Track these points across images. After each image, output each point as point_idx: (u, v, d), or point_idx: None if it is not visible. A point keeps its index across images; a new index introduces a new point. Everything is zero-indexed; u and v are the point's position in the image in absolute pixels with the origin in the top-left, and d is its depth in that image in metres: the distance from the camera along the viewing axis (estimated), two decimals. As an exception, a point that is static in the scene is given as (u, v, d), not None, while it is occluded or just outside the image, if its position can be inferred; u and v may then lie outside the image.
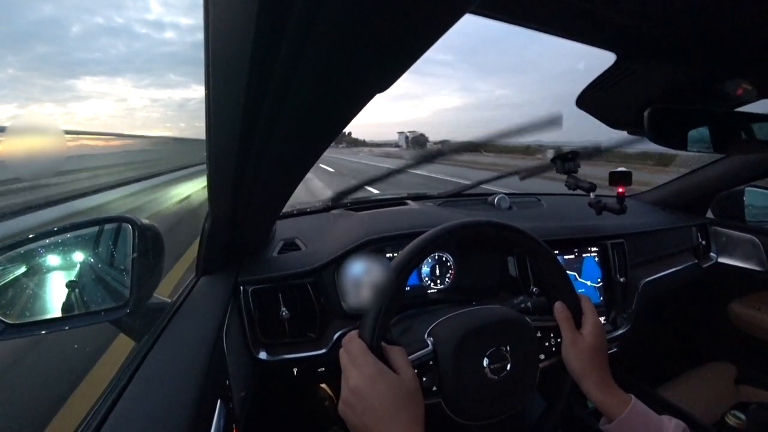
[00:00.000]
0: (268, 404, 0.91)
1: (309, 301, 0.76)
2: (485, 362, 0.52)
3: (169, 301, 0.66)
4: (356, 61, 0.26)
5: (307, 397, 1.09)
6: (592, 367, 0.55)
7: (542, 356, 0.57)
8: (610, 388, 0.55)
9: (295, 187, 0.55)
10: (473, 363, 0.51)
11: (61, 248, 0.62)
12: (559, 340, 0.58)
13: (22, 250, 0.57)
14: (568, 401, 0.59)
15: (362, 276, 0.81)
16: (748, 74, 0.53)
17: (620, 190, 0.97)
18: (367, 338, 0.48)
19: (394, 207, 1.10)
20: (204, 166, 0.48)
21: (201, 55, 0.29)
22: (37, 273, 0.59)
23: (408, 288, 0.88)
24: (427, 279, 0.90)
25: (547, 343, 0.58)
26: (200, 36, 0.28)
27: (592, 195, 1.03)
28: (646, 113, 0.58)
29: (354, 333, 0.50)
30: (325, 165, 14.60)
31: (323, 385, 1.09)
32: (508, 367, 0.53)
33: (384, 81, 0.28)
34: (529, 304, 0.67)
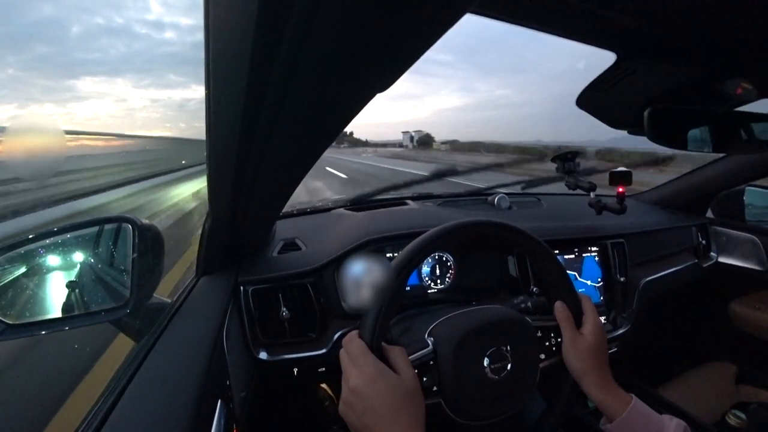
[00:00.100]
0: (269, 404, 0.91)
1: (309, 301, 0.76)
2: (485, 362, 0.52)
3: (169, 301, 0.66)
4: (356, 61, 0.26)
5: (308, 397, 1.09)
6: (593, 367, 0.55)
7: (542, 356, 0.57)
8: (611, 387, 0.55)
9: (295, 187, 0.55)
10: (473, 363, 0.51)
11: (61, 248, 0.62)
12: (559, 339, 0.58)
13: (22, 250, 0.57)
14: (568, 401, 0.59)
15: (362, 276, 0.81)
16: (748, 74, 0.53)
17: (620, 189, 0.97)
18: (367, 338, 0.48)
19: (394, 207, 1.10)
20: (204, 167, 0.48)
21: (201, 55, 0.29)
22: (37, 273, 0.59)
23: (408, 288, 0.88)
24: (427, 279, 0.90)
25: (547, 343, 0.58)
26: (200, 36, 0.28)
27: (592, 195, 1.03)
28: (646, 113, 0.58)
29: (354, 333, 0.49)
30: (334, 169, 12.99)
31: (323, 385, 1.09)
32: (509, 367, 0.53)
33: (384, 81, 0.28)
34: (529, 303, 0.67)
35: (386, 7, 0.21)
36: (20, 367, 1.71)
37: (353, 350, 0.47)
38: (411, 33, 0.23)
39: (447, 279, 0.91)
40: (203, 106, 0.35)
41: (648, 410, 0.53)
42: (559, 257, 0.80)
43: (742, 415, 0.96)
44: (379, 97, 0.31)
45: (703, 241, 1.29)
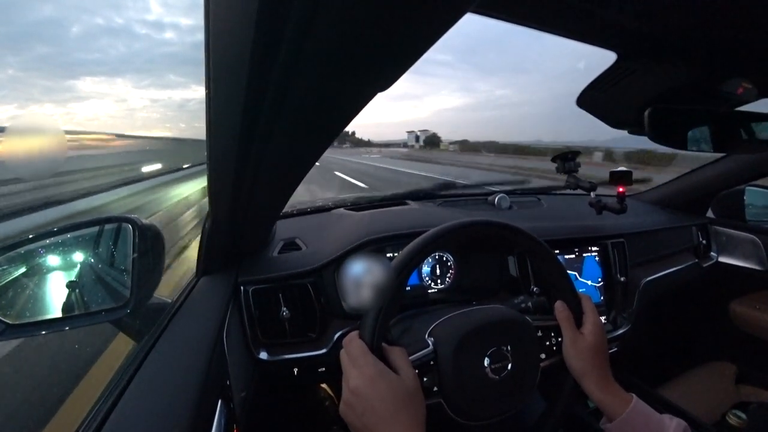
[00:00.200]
0: (269, 404, 0.91)
1: (309, 301, 0.76)
2: (486, 362, 0.52)
3: (170, 301, 0.66)
4: (357, 60, 0.26)
5: (308, 397, 1.09)
6: (593, 367, 0.55)
7: (543, 356, 0.57)
8: (611, 387, 0.55)
9: (296, 187, 0.55)
10: (474, 363, 0.51)
11: (61, 248, 0.62)
12: (559, 339, 0.58)
13: (22, 250, 0.57)
14: (568, 401, 0.59)
15: (362, 276, 0.81)
16: (748, 74, 0.53)
17: (620, 189, 0.97)
18: (367, 339, 0.48)
19: (394, 207, 1.10)
20: (204, 167, 0.48)
21: (201, 55, 0.29)
22: (37, 273, 0.59)
23: (408, 288, 0.88)
24: (427, 279, 0.90)
25: (547, 343, 0.58)
26: (200, 36, 0.28)
27: (592, 194, 1.03)
28: (646, 113, 0.58)
29: (354, 334, 0.49)
30: (346, 175, 11.06)
31: (324, 385, 1.09)
32: (509, 366, 0.53)
33: (385, 80, 0.28)
34: (529, 303, 0.67)
35: (386, 7, 0.21)
36: (20, 367, 1.71)
37: (353, 351, 0.47)
38: (411, 33, 0.23)
39: (447, 279, 0.91)
40: (203, 106, 0.35)
41: (648, 410, 0.53)
42: (559, 257, 0.80)
43: (743, 415, 0.96)
44: (379, 97, 0.31)
45: (704, 241, 1.29)
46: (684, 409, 0.95)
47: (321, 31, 0.22)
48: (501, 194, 1.18)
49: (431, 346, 0.52)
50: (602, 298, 1.04)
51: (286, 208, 1.02)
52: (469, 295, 0.90)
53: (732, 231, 1.28)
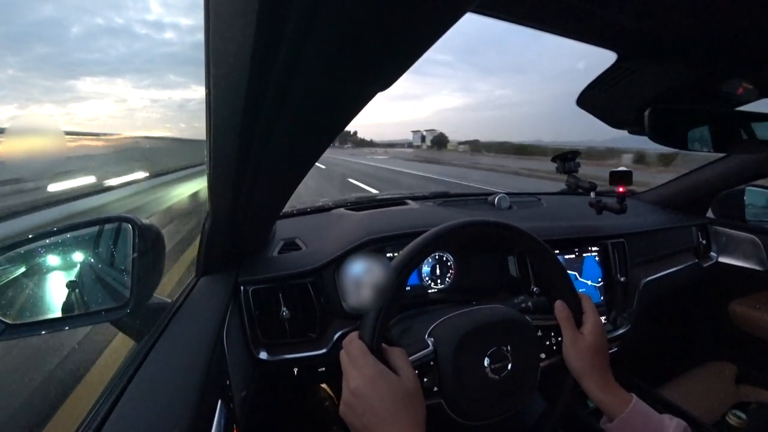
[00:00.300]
0: (269, 404, 0.91)
1: (309, 301, 0.76)
2: (486, 362, 0.52)
3: (169, 301, 0.66)
4: (357, 60, 0.26)
5: (308, 397, 1.09)
6: (593, 367, 0.55)
7: (543, 356, 0.57)
8: (611, 387, 0.55)
9: (296, 187, 0.55)
10: (474, 363, 0.51)
11: (61, 248, 0.61)
12: (559, 339, 0.58)
13: (22, 250, 0.57)
14: (568, 401, 0.59)
15: (362, 276, 0.81)
16: (749, 74, 0.53)
17: (620, 189, 0.97)
18: (367, 339, 0.48)
19: (394, 207, 1.10)
20: (203, 167, 0.48)
21: (201, 55, 0.29)
22: (37, 273, 0.59)
23: (408, 288, 0.88)
24: (427, 279, 0.90)
25: (547, 343, 0.58)
26: (200, 36, 0.28)
27: (592, 195, 1.03)
28: (646, 113, 0.58)
29: (354, 334, 0.49)
30: (364, 183, 9.85)
31: (323, 385, 1.09)
32: (509, 366, 0.53)
33: (385, 80, 0.28)
34: (529, 303, 0.67)
35: (386, 7, 0.21)
36: (20, 367, 1.71)
37: (353, 351, 0.47)
38: (411, 33, 0.23)
39: (447, 279, 0.91)
40: (203, 106, 0.35)
41: (648, 410, 0.53)
42: (559, 257, 0.80)
43: (743, 415, 0.96)
44: (379, 97, 0.31)
45: (704, 241, 1.29)
46: (684, 409, 0.95)
47: (321, 31, 0.22)
48: (501, 194, 1.18)
49: (431, 347, 0.52)
50: (602, 298, 1.04)
51: (286, 208, 1.02)
52: (469, 295, 0.90)
53: (732, 231, 1.28)
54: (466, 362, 0.51)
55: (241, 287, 0.73)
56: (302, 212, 1.07)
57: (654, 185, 1.43)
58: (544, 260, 0.59)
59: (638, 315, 1.04)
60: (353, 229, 0.89)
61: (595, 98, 0.60)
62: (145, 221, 0.61)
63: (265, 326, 0.74)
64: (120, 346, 1.66)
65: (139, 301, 0.57)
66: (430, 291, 0.90)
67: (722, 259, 1.29)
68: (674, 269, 1.17)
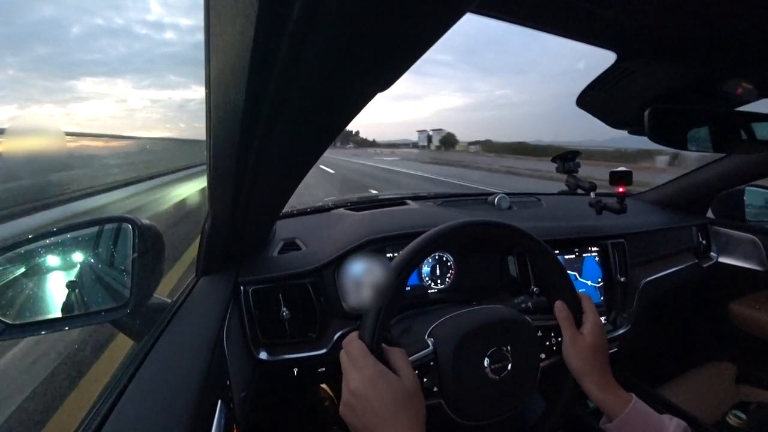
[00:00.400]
0: (269, 404, 0.91)
1: (309, 301, 0.76)
2: (486, 362, 0.52)
3: (169, 301, 0.66)
4: (357, 60, 0.26)
5: (308, 397, 1.09)
6: (593, 367, 0.55)
7: (543, 356, 0.57)
8: (611, 387, 0.55)
9: (296, 188, 0.55)
10: (474, 363, 0.51)
11: (61, 248, 0.61)
12: (559, 339, 0.58)
13: (22, 250, 0.57)
14: (568, 401, 0.59)
15: (362, 276, 0.81)
16: (749, 74, 0.53)
17: (620, 189, 0.97)
18: (367, 339, 0.47)
19: (394, 207, 1.10)
20: (203, 167, 0.48)
21: (201, 55, 0.29)
22: (37, 273, 0.59)
23: (408, 288, 0.88)
24: (427, 279, 0.90)
25: (547, 343, 0.58)
26: (200, 36, 0.28)
27: (592, 195, 1.03)
28: (646, 113, 0.58)
29: (354, 334, 0.49)
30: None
31: (323, 385, 1.09)
32: (509, 366, 0.53)
33: (385, 80, 0.28)
34: (529, 303, 0.67)
35: (386, 7, 0.21)
36: (20, 367, 1.71)
37: (353, 352, 0.47)
38: (411, 33, 0.23)
39: (447, 279, 0.91)
40: (203, 106, 0.35)
41: (648, 410, 0.53)
42: (559, 257, 0.80)
43: (743, 415, 0.96)
44: (379, 97, 0.31)
45: (704, 241, 1.29)
46: (684, 409, 0.95)
47: (321, 31, 0.22)
48: (501, 194, 1.19)
49: (431, 347, 0.52)
50: (602, 298, 1.04)
51: (286, 208, 1.01)
52: (469, 296, 0.90)
53: (732, 231, 1.28)
54: (466, 362, 0.51)
55: (241, 287, 0.73)
56: (302, 212, 1.07)
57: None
58: (544, 260, 0.59)
59: (638, 315, 1.04)
60: (353, 229, 0.89)
61: (594, 98, 0.60)
62: (145, 221, 0.61)
63: (265, 326, 0.74)
64: (120, 346, 1.66)
65: (139, 302, 0.57)
66: (430, 291, 0.90)
67: (722, 260, 1.29)
68: (674, 269, 1.17)
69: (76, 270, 0.63)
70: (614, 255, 1.04)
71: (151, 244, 0.60)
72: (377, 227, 0.87)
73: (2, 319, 0.53)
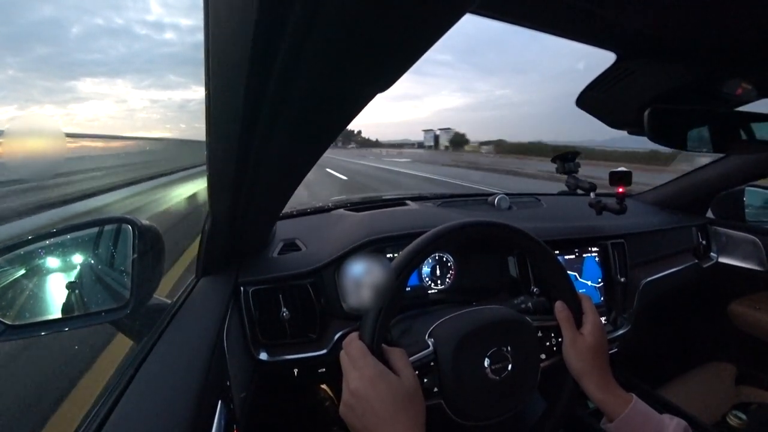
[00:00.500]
0: (269, 405, 0.91)
1: (309, 302, 0.76)
2: (486, 363, 0.52)
3: (169, 302, 0.66)
4: (357, 61, 0.26)
5: (308, 398, 1.09)
6: (593, 367, 0.55)
7: (543, 356, 0.57)
8: (611, 387, 0.55)
9: (296, 188, 0.55)
10: (474, 363, 0.51)
11: (60, 249, 0.61)
12: (559, 339, 0.58)
13: (21, 251, 0.57)
14: (568, 401, 0.59)
15: (362, 276, 0.81)
16: (748, 74, 0.53)
17: (620, 190, 0.97)
18: (367, 340, 0.47)
19: (394, 207, 1.10)
20: (203, 168, 0.48)
21: (201, 55, 0.29)
22: (36, 274, 0.59)
23: (408, 288, 0.88)
24: (427, 279, 0.90)
25: (547, 343, 0.58)
26: (200, 37, 0.28)
27: (592, 195, 1.03)
28: (646, 113, 0.57)
29: (354, 335, 0.49)
30: None
31: (323, 386, 1.09)
32: (509, 367, 0.52)
33: (385, 81, 0.28)
34: (529, 304, 0.67)
35: (386, 7, 0.21)
36: (19, 368, 1.71)
37: (353, 352, 0.47)
38: (411, 33, 0.23)
39: (447, 279, 0.91)
40: (203, 106, 0.35)
41: (648, 410, 0.53)
42: (559, 258, 0.80)
43: (743, 416, 0.96)
44: (379, 96, 0.31)
45: (703, 242, 1.29)
46: (684, 409, 0.95)
47: (321, 32, 0.22)
48: (501, 195, 1.18)
49: (431, 347, 0.52)
50: (602, 298, 1.04)
51: (286, 209, 1.01)
52: (469, 296, 0.90)
53: (732, 231, 1.28)
54: (467, 363, 0.51)
55: (241, 288, 0.73)
56: (302, 213, 1.07)
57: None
58: (544, 261, 0.59)
59: (638, 315, 1.04)
60: (353, 229, 0.89)
61: (594, 99, 0.60)
62: (145, 222, 0.61)
63: (265, 327, 0.74)
64: (119, 346, 1.66)
65: (139, 302, 0.57)
66: (430, 292, 0.90)
67: (722, 260, 1.29)
68: (674, 270, 1.16)
69: (76, 271, 0.63)
70: (614, 255, 1.04)
71: (150, 244, 0.60)
72: (377, 228, 0.87)
73: (2, 320, 0.53)
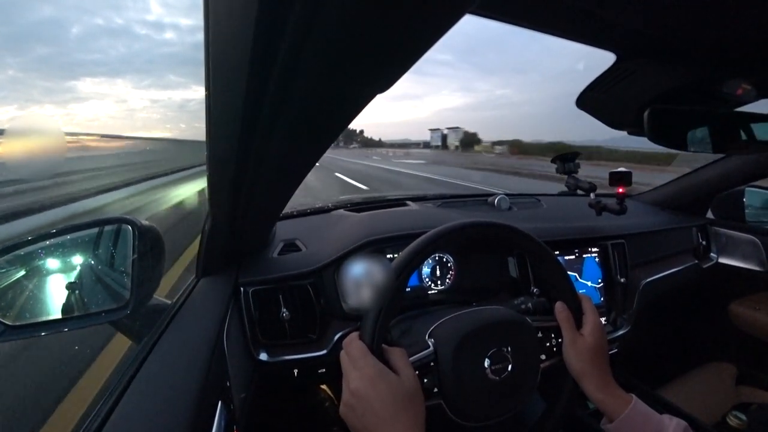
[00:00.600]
0: (269, 405, 0.91)
1: (309, 302, 0.76)
2: (486, 363, 0.51)
3: (169, 302, 0.66)
4: (356, 61, 0.26)
5: (308, 398, 1.09)
6: (593, 367, 0.55)
7: (543, 356, 0.57)
8: (611, 388, 0.55)
9: (296, 188, 0.55)
10: (474, 364, 0.51)
11: (60, 250, 0.61)
12: (559, 340, 0.58)
13: (21, 251, 0.57)
14: (568, 402, 0.59)
15: (363, 277, 0.81)
16: (748, 74, 0.53)
17: (620, 190, 0.97)
18: (367, 340, 0.47)
19: (394, 208, 1.10)
20: (203, 168, 0.48)
21: (201, 55, 0.29)
22: (37, 274, 0.59)
23: (408, 289, 0.88)
24: (427, 280, 0.90)
25: (547, 344, 0.58)
26: (200, 36, 0.28)
27: (592, 195, 1.03)
28: (646, 113, 0.57)
29: (354, 334, 0.49)
30: None
31: (324, 386, 1.09)
32: (509, 367, 0.52)
33: (385, 81, 0.28)
34: (529, 304, 0.67)
35: (386, 8, 0.21)
36: (19, 368, 1.71)
37: (353, 352, 0.47)
38: (411, 34, 0.23)
39: (447, 280, 0.91)
40: (203, 106, 0.35)
41: (648, 410, 0.53)
42: (559, 258, 0.80)
43: (743, 416, 0.96)
44: (379, 96, 0.31)
45: (703, 242, 1.29)
46: (684, 410, 0.95)
47: (320, 32, 0.22)
48: (501, 195, 1.19)
49: (431, 347, 0.52)
50: (602, 299, 1.04)
51: (287, 209, 1.01)
52: (469, 296, 0.90)
53: (732, 232, 1.28)
54: (467, 363, 0.51)
55: (241, 288, 0.73)
56: (302, 213, 1.07)
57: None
58: (544, 261, 0.59)
59: (638, 316, 1.04)
60: (353, 230, 0.89)
61: (594, 99, 0.60)
62: (145, 222, 0.61)
63: (265, 327, 0.74)
64: (120, 346, 1.66)
65: (139, 303, 0.57)
66: (430, 292, 0.90)
67: (722, 260, 1.29)
68: (674, 270, 1.17)
69: (76, 271, 0.63)
70: (614, 256, 1.04)
71: (150, 245, 0.60)
72: (377, 228, 0.87)
73: (2, 320, 0.53)
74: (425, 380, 0.50)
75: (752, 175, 1.19)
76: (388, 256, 0.85)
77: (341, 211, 1.07)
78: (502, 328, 0.55)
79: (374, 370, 0.45)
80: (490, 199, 1.20)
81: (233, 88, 0.29)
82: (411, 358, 0.50)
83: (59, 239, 0.61)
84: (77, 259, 0.63)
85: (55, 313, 0.60)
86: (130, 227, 0.60)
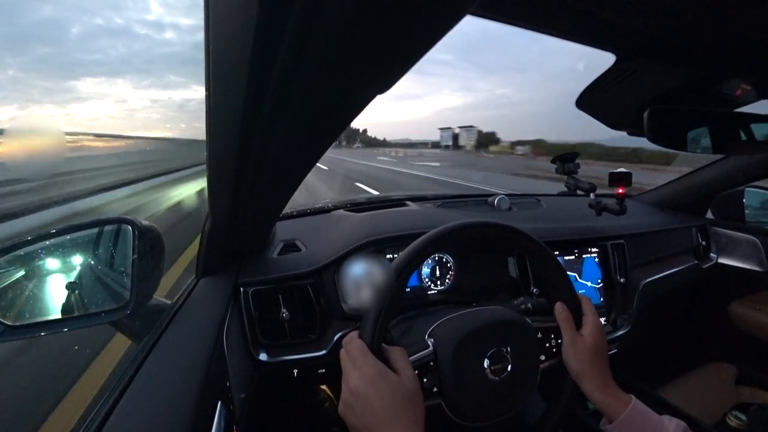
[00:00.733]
0: (269, 406, 0.91)
1: (309, 303, 0.76)
2: (486, 363, 0.52)
3: (169, 302, 0.66)
4: (357, 62, 0.26)
5: (308, 399, 1.09)
6: (593, 368, 0.55)
7: (543, 357, 0.57)
8: (611, 388, 0.55)
9: (296, 189, 0.55)
10: (474, 364, 0.51)
11: (60, 250, 0.61)
12: (559, 341, 0.58)
13: (21, 251, 0.57)
14: (568, 402, 0.59)
15: (362, 277, 0.81)
16: (748, 74, 0.53)
17: (620, 190, 0.97)
18: (367, 339, 0.48)
19: (394, 208, 1.10)
20: (203, 167, 0.48)
21: (201, 55, 0.29)
22: (36, 274, 0.59)
23: (408, 289, 0.88)
24: (427, 280, 0.90)
25: (547, 344, 0.58)
26: (200, 36, 0.28)
27: (592, 196, 1.03)
28: (645, 113, 0.58)
29: (354, 334, 0.49)
30: None
31: (323, 386, 1.09)
32: (509, 368, 0.52)
33: (385, 82, 0.28)
34: (529, 305, 0.67)
35: (386, 8, 0.21)
36: (19, 368, 1.71)
37: (353, 351, 0.47)
38: (411, 35, 0.23)
39: (447, 280, 0.91)
40: (203, 106, 0.35)
41: (648, 410, 0.53)
42: (559, 258, 0.80)
43: (743, 417, 0.96)
44: (379, 96, 0.31)
45: (703, 242, 1.29)
46: (684, 410, 0.95)
47: (321, 33, 0.22)
48: (501, 195, 1.19)
49: (431, 347, 0.52)
50: (602, 299, 1.04)
51: (286, 209, 1.01)
52: (468, 297, 0.90)
53: (732, 232, 1.28)
54: (466, 363, 0.51)
55: (241, 288, 0.73)
56: (302, 213, 1.07)
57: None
58: (544, 261, 0.59)
59: (638, 316, 1.04)
60: (353, 230, 0.89)
61: (594, 99, 0.60)
62: (145, 223, 0.61)
63: (265, 327, 0.74)
64: (120, 346, 1.66)
65: (138, 303, 0.57)
66: (430, 292, 0.90)
67: (722, 260, 1.29)
68: (674, 270, 1.16)
69: (75, 271, 0.63)
70: (614, 256, 1.04)
71: (150, 245, 0.60)
72: (377, 228, 0.87)
73: (2, 320, 0.53)
74: (425, 380, 0.50)
75: (752, 176, 1.19)
76: (388, 256, 0.85)
77: (341, 211, 1.07)
78: (501, 329, 0.55)
79: (374, 370, 0.45)
80: (490, 199, 1.20)
81: (233, 88, 0.29)
82: (411, 358, 0.50)
83: (59, 239, 0.61)
84: (77, 259, 0.63)
85: (55, 313, 0.60)
86: (130, 227, 0.59)
